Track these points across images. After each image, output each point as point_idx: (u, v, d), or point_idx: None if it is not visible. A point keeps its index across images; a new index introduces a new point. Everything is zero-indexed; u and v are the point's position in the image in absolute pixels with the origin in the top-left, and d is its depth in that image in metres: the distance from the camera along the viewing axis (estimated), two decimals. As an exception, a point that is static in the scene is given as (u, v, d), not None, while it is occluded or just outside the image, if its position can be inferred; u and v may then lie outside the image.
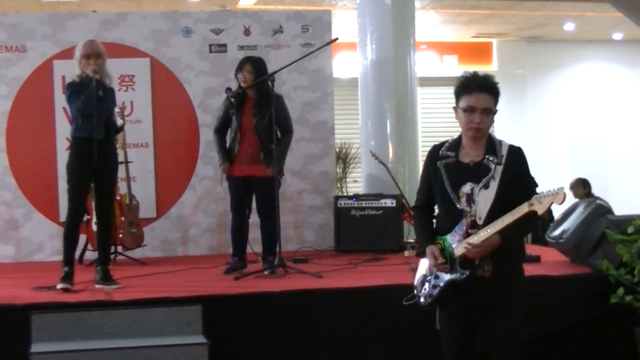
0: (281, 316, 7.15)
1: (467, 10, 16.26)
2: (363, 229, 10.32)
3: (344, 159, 15.71)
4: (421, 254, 5.36)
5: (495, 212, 5.04)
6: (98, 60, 7.72)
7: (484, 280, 5.11)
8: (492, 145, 5.18)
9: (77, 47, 7.89)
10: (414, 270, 5.49)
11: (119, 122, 8.11)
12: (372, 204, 10.43)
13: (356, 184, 15.02)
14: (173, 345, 6.70)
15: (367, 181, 11.41)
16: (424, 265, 5.38)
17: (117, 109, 8.03)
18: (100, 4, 14.85)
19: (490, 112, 5.09)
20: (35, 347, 6.58)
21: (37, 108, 10.50)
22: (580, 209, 8.42)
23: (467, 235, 5.07)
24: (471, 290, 5.15)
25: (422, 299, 5.40)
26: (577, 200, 11.43)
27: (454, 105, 5.19)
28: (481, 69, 15.04)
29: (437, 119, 17.72)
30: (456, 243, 5.13)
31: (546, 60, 19.33)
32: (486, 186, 5.08)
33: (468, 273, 5.10)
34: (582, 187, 13.94)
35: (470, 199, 5.11)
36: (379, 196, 10.50)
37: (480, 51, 19.19)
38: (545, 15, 16.68)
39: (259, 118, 8.43)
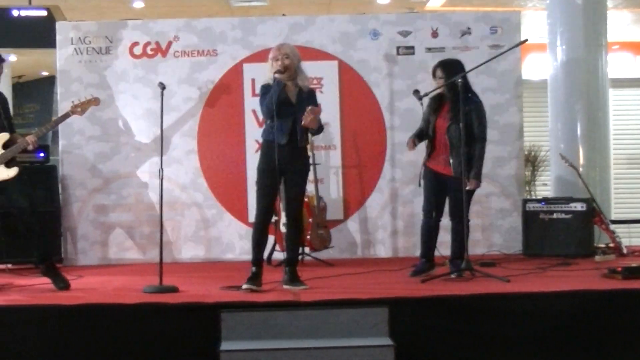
0: (468, 320, 7.05)
1: (663, 8, 15.79)
2: (552, 233, 10.13)
3: (532, 161, 15.43)
4: None
5: None
6: (285, 59, 7.81)
7: None
8: None
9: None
10: None
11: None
12: (561, 207, 10.22)
13: (545, 187, 14.73)
14: (359, 347, 6.69)
15: (556, 184, 11.20)
16: None
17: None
18: (289, 7, 15.09)
19: None
20: (224, 345, 6.71)
21: (228, 111, 10.74)
22: None
23: None
24: None
25: None
26: None
27: None
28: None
29: (631, 122, 17.20)
30: None
31: None
32: None
33: None
34: None
35: None
36: (569, 200, 10.28)
37: (677, 51, 18.54)
38: None
39: (452, 122, 8.36)
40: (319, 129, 7.92)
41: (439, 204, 8.58)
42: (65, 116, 8.61)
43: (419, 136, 8.59)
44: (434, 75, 8.58)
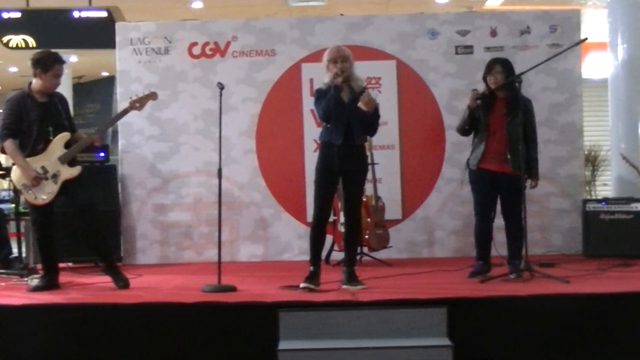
0: (526, 321, 7.00)
1: None
2: (612, 234, 10.02)
3: (592, 161, 15.32)
4: None
5: None
6: (345, 63, 7.81)
7: None
8: None
9: (325, 53, 8.03)
10: None
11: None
12: (622, 208, 10.11)
13: (605, 187, 14.62)
14: (418, 347, 6.69)
15: (617, 184, 11.06)
16: None
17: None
18: (347, 7, 15.07)
19: None
20: (282, 344, 6.73)
21: (286, 110, 10.77)
22: None
23: None
24: None
25: None
26: None
27: None
28: None
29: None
30: None
31: None
32: None
33: None
34: None
35: None
36: (630, 200, 10.16)
37: None
38: None
39: (511, 118, 8.30)
40: (375, 112, 7.84)
41: (492, 205, 8.52)
42: (125, 112, 8.66)
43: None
44: (490, 71, 8.46)
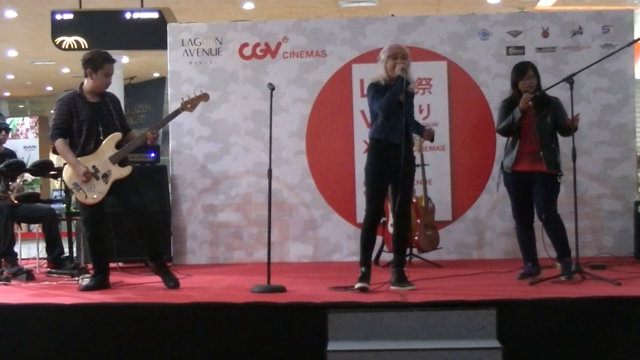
0: (577, 323, 6.95)
1: None
2: (665, 236, 9.94)
3: (645, 163, 15.17)
4: None
5: None
6: (405, 60, 7.83)
7: None
8: None
9: (382, 50, 8.04)
10: None
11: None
12: (675, 209, 10.02)
13: (658, 189, 14.47)
14: (467, 349, 6.66)
15: (669, 186, 10.97)
16: None
17: None
18: (398, 8, 15.07)
19: None
20: (331, 345, 6.73)
21: (336, 111, 10.77)
22: None
23: None
24: None
25: None
26: None
27: None
28: None
29: None
30: None
31: None
32: None
33: None
34: None
35: None
36: (682, 202, 10.07)
37: None
38: None
39: (541, 117, 8.29)
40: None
41: (530, 207, 8.49)
42: (176, 113, 8.69)
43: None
44: (523, 75, 8.45)
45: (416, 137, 9.31)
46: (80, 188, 8.21)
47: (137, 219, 8.30)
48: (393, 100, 7.71)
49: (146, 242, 8.43)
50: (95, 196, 8.23)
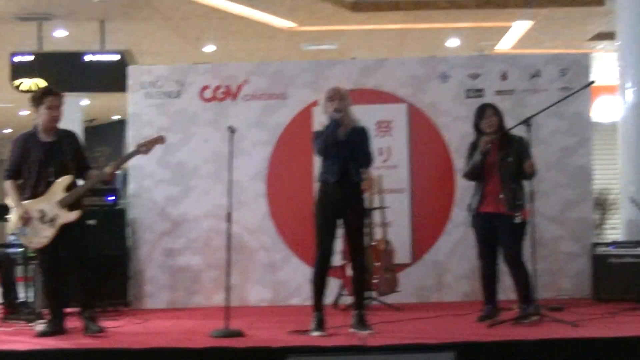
0: (536, 365, 6.99)
1: None
2: (622, 277, 9.95)
3: (602, 204, 15.31)
4: None
5: None
6: (342, 101, 7.87)
7: None
8: None
9: (322, 94, 8.09)
10: None
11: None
12: (631, 251, 10.05)
13: (615, 230, 14.58)
14: (426, 392, 6.68)
15: (626, 228, 11.02)
16: None
17: None
18: (359, 51, 15.17)
19: None
20: (290, 389, 6.71)
21: (297, 154, 10.77)
22: None
23: None
24: None
25: None
26: None
27: None
28: None
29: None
30: None
31: None
32: None
33: None
34: None
35: None
36: (639, 243, 10.12)
37: None
38: None
39: (503, 157, 8.37)
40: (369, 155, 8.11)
41: (495, 248, 8.56)
42: (131, 155, 8.61)
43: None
44: (483, 115, 8.57)
45: (376, 180, 9.40)
46: (24, 232, 8.11)
47: (75, 266, 8.13)
48: (327, 143, 7.79)
49: (80, 291, 8.22)
50: (39, 241, 8.10)
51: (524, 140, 8.48)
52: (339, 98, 7.91)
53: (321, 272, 7.94)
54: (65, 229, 8.10)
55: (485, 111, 8.56)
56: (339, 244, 8.17)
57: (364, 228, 8.19)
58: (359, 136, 8.00)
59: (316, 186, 8.16)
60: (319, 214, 7.96)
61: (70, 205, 8.14)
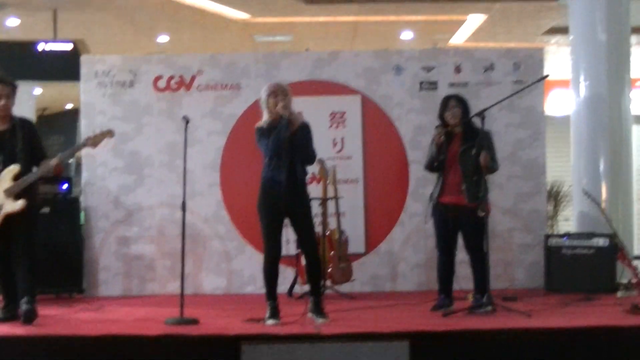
0: (488, 355, 7.00)
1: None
2: (574, 269, 10.08)
3: (555, 197, 15.44)
4: None
5: None
6: (287, 97, 7.85)
7: None
8: None
9: (262, 90, 8.07)
10: None
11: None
12: (583, 243, 10.19)
13: (567, 222, 14.71)
14: (379, 380, 6.71)
15: (579, 220, 11.13)
16: None
17: None
18: (313, 43, 15.16)
19: None
20: (245, 377, 6.72)
21: (250, 144, 10.68)
22: None
23: None
24: None
25: None
26: None
27: None
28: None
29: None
30: None
31: None
32: None
33: None
34: None
35: None
36: (591, 235, 10.23)
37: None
38: None
39: (464, 149, 8.38)
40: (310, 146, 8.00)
41: (454, 239, 8.58)
42: (78, 148, 8.52)
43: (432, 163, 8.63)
44: (447, 107, 8.56)
45: (330, 171, 9.40)
46: None
47: (18, 255, 7.99)
48: (279, 141, 7.74)
49: (20, 280, 8.03)
50: None
51: (489, 134, 8.51)
52: (282, 94, 7.88)
53: (271, 265, 7.92)
54: (11, 218, 7.96)
55: (449, 102, 8.58)
56: (292, 234, 8.12)
57: (312, 222, 8.14)
58: (306, 134, 7.95)
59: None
60: (266, 212, 7.89)
61: (16, 195, 7.97)
